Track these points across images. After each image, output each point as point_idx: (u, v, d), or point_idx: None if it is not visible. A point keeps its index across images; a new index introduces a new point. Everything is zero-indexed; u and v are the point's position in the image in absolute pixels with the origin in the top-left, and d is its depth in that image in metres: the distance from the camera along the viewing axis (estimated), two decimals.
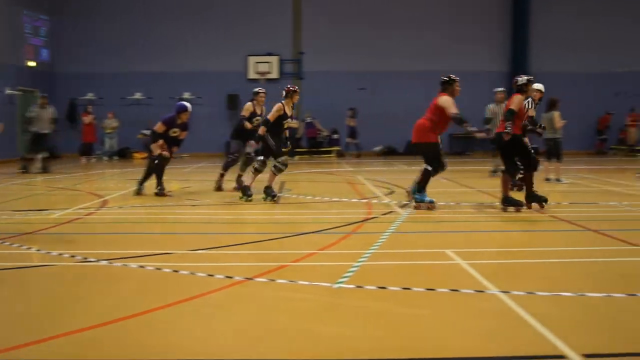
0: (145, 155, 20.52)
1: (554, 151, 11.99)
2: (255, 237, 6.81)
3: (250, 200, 9.24)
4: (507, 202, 8.35)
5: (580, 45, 22.80)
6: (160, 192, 9.83)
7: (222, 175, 10.74)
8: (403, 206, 8.69)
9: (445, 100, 8.38)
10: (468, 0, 23.10)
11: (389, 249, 5.89)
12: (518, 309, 3.96)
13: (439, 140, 8.52)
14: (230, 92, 22.10)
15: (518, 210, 8.28)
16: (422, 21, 22.73)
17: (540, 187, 11.76)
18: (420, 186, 8.42)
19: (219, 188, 10.71)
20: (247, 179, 9.70)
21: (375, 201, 9.39)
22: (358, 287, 4.51)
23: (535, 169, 8.53)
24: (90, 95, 22.26)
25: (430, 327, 3.71)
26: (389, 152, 22.04)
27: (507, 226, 7.59)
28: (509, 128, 8.14)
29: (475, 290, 4.41)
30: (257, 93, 10.68)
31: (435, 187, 11.30)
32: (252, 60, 22.71)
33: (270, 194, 9.25)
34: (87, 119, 20.19)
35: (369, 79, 22.73)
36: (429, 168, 8.39)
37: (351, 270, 4.97)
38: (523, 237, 6.95)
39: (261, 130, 9.21)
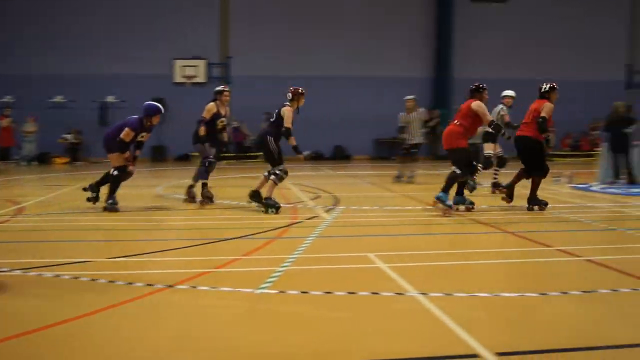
0: (67, 160, 19.99)
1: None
2: (178, 244, 6.70)
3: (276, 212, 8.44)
4: (534, 202, 8.91)
5: (503, 52, 23.55)
6: (111, 207, 8.65)
7: (191, 187, 9.64)
8: (328, 210, 8.75)
9: (479, 105, 8.42)
10: (393, 6, 23.47)
11: (313, 254, 5.91)
12: (436, 310, 4.05)
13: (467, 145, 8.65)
14: (156, 96, 21.70)
15: (542, 209, 8.80)
16: (348, 27, 22.95)
17: (483, 189, 12.12)
18: (446, 187, 8.38)
19: (191, 199, 9.60)
20: (266, 190, 8.56)
21: (301, 206, 9.41)
22: (281, 292, 4.51)
23: (545, 174, 9.06)
24: (8, 98, 21.40)
25: (351, 330, 3.75)
26: (316, 157, 22.15)
27: (428, 229, 7.75)
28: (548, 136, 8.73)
29: (395, 293, 4.48)
30: (221, 92, 9.58)
31: (361, 192, 11.46)
32: (178, 63, 22.40)
33: (273, 206, 8.45)
34: (4, 122, 19.42)
35: (296, 83, 22.66)
36: (458, 171, 8.41)
37: (274, 275, 4.97)
38: (444, 239, 7.11)
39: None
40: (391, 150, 22.79)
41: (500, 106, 10.86)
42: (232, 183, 13.52)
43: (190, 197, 9.63)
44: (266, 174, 8.64)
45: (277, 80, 22.52)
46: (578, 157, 22.94)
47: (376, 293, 4.48)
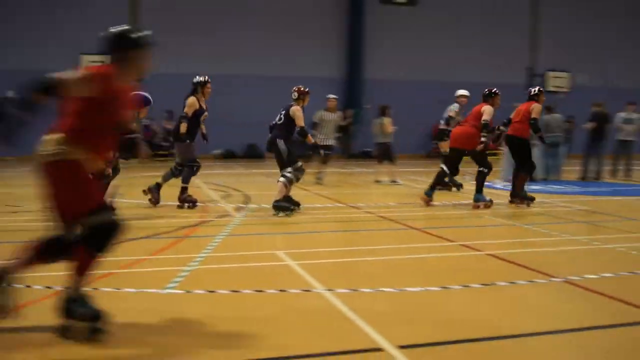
0: None
1: (385, 154, 12.68)
2: None
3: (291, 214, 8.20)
4: (517, 196, 9.48)
5: (413, 54, 24.09)
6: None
7: (185, 189, 8.72)
8: (239, 209, 8.70)
9: (489, 109, 9.21)
10: (305, 6, 23.56)
11: (221, 252, 5.86)
12: (342, 306, 4.09)
13: None
14: None
15: (528, 205, 9.28)
16: (260, 26, 22.87)
17: (372, 188, 12.38)
18: (479, 188, 9.23)
19: (188, 203, 8.66)
20: (280, 193, 8.26)
21: (211, 204, 9.30)
22: (187, 292, 4.45)
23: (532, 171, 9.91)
24: None
25: (257, 329, 3.73)
26: (228, 156, 21.95)
27: (337, 226, 7.84)
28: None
29: (303, 290, 4.51)
30: (204, 84, 8.87)
31: (273, 190, 11.45)
32: (85, 59, 21.62)
33: (287, 208, 8.14)
34: None
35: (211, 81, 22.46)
36: (485, 170, 9.28)
37: (181, 275, 4.88)
38: (352, 236, 7.21)
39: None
40: (304, 150, 22.91)
41: (455, 105, 11.15)
42: (142, 181, 13.18)
43: (155, 200, 8.78)
44: (283, 178, 8.29)
45: (190, 78, 22.22)
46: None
47: (283, 290, 4.49)
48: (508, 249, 6.19)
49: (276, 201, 8.19)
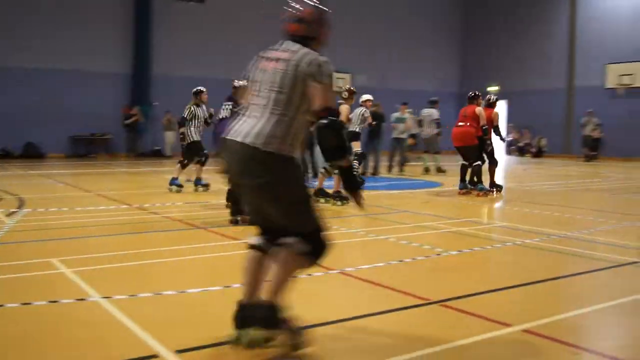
0: None
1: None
2: None
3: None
4: (494, 186, 11.27)
5: (200, 51, 23.92)
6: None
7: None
8: (10, 214, 8.03)
9: (480, 110, 10.94)
10: (96, 5, 22.31)
11: None
12: (118, 314, 3.94)
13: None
14: None
15: (486, 195, 10.87)
16: (49, 22, 21.24)
17: (159, 188, 12.10)
18: (479, 179, 11.00)
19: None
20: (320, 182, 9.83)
21: None
22: None
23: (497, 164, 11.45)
24: None
25: (22, 346, 3.46)
26: (4, 156, 20.18)
27: (120, 229, 7.53)
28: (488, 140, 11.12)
29: (77, 299, 4.27)
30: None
31: (52, 192, 10.76)
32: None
33: (340, 197, 9.44)
34: None
35: None
36: (480, 162, 11.01)
37: None
38: (135, 239, 6.97)
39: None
40: (90, 148, 21.77)
41: (363, 109, 11.43)
42: None
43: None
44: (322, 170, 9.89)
45: None
46: None
47: (55, 302, 4.21)
48: None
49: (335, 191, 9.62)
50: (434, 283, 4.99)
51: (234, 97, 9.39)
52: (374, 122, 12.25)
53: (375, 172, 15.14)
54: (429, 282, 5.04)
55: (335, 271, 5.19)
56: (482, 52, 30.46)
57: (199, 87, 11.73)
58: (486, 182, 11.19)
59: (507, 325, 3.83)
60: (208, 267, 5.50)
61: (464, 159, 11.17)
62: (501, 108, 29.73)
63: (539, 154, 26.55)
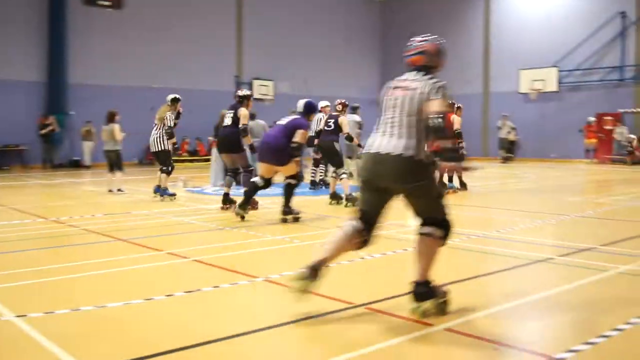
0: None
1: (115, 162, 12.23)
2: None
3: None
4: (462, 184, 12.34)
5: (120, 59, 23.37)
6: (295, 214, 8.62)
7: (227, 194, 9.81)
8: None
9: (454, 117, 11.69)
10: (7, 11, 21.42)
11: None
12: (33, 332, 3.77)
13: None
14: None
15: (455, 192, 11.90)
16: None
17: (103, 198, 11.74)
18: (450, 179, 12.19)
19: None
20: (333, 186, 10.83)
21: None
22: None
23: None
24: None
25: None
26: None
27: (35, 244, 7.22)
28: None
29: None
30: (249, 97, 10.13)
31: None
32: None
33: (352, 199, 9.77)
34: None
35: None
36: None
37: None
38: (49, 254, 6.69)
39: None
40: (1, 159, 20.87)
41: (321, 115, 12.43)
42: None
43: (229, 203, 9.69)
44: (334, 175, 10.66)
45: None
46: (196, 161, 24.09)
47: None
48: (214, 254, 6.32)
49: (348, 195, 10.24)
50: (359, 286, 5.03)
51: (239, 105, 9.78)
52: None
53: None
54: (353, 285, 5.07)
55: (260, 279, 5.16)
56: (401, 59, 31.05)
57: (176, 95, 11.61)
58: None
59: (430, 325, 3.90)
60: (128, 280, 5.35)
61: None
62: None
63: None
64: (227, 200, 9.75)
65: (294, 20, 28.36)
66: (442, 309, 4.14)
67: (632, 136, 22.85)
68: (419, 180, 4.04)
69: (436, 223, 4.18)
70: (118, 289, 5.00)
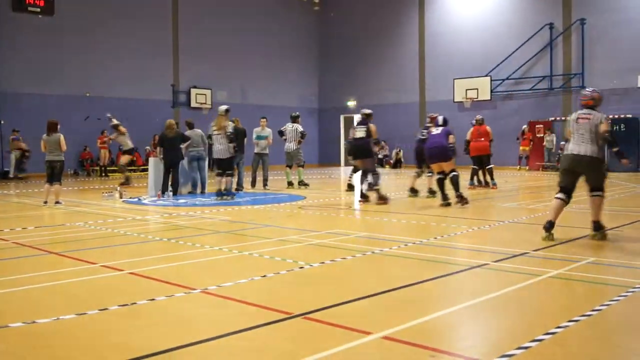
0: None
1: (57, 173, 11.90)
2: None
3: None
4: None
5: (50, 67, 22.77)
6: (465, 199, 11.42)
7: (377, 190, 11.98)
8: None
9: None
10: None
11: None
12: None
13: None
14: None
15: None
16: None
17: (37, 210, 11.33)
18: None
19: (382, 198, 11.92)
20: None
21: None
22: None
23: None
24: None
25: None
26: None
27: None
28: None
29: None
30: (370, 115, 12.58)
31: None
32: None
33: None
34: None
35: None
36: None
37: None
38: None
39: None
40: None
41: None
42: None
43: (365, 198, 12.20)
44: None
45: None
46: (133, 171, 23.63)
47: None
48: (150, 266, 6.19)
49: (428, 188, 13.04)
50: (297, 296, 5.01)
51: (366, 121, 12.30)
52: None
53: (238, 187, 15.06)
54: (291, 295, 5.05)
55: (197, 290, 5.08)
56: (339, 69, 31.37)
57: (228, 106, 13.56)
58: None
59: (367, 333, 3.91)
60: (60, 295, 5.18)
61: (479, 164, 15.42)
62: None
63: (397, 164, 27.66)
64: (364, 196, 12.27)
65: (232, 28, 28.25)
66: (604, 237, 7.38)
67: (563, 143, 23.64)
68: (598, 169, 7.40)
69: (600, 189, 7.39)
70: (49, 304, 4.83)
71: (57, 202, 11.95)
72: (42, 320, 4.27)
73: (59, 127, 12.14)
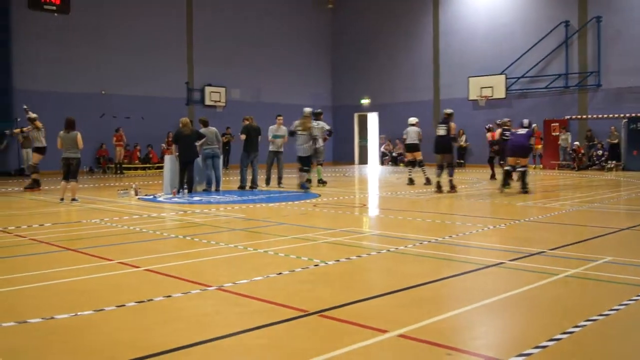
0: None
1: (74, 170, 12.03)
2: None
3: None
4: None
5: (67, 65, 22.91)
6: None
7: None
8: None
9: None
10: None
11: None
12: None
13: None
14: None
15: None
16: None
17: (54, 207, 11.42)
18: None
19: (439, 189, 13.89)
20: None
21: None
22: None
23: None
24: None
25: None
26: None
27: None
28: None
29: None
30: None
31: None
32: None
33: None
34: None
35: None
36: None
37: None
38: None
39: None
40: None
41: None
42: None
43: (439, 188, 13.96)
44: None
45: None
46: (149, 169, 23.77)
47: None
48: (166, 263, 6.23)
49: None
50: (312, 294, 5.01)
51: (448, 120, 14.13)
52: (244, 135, 14.90)
53: (253, 186, 15.08)
54: (307, 293, 5.05)
55: (212, 288, 5.10)
56: (353, 67, 31.32)
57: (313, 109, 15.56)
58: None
59: (384, 331, 3.91)
60: (77, 291, 5.21)
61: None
62: (373, 120, 30.65)
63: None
64: (438, 186, 13.99)
65: (246, 27, 28.29)
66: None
67: (576, 143, 23.53)
68: None
69: None
70: (67, 300, 4.88)
71: (73, 200, 12.04)
72: (61, 315, 4.31)
73: (75, 124, 12.24)
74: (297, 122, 14.62)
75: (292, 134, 14.88)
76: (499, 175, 15.37)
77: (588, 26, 24.15)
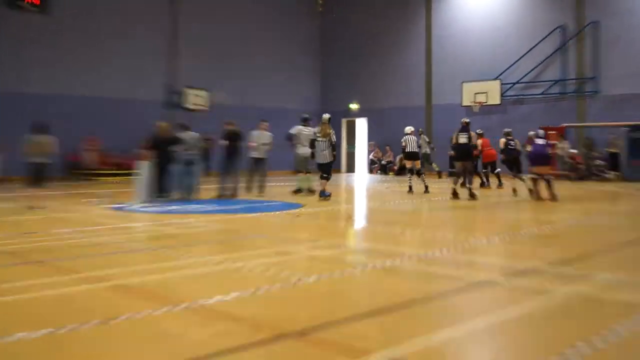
0: None
1: (43, 176, 11.52)
2: None
3: None
4: None
5: (53, 66, 22.34)
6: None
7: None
8: None
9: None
10: None
11: None
12: None
13: None
14: None
15: None
16: None
17: (21, 215, 10.85)
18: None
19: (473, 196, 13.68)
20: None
21: None
22: None
23: None
24: None
25: None
26: None
27: None
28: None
29: None
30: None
31: None
32: None
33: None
34: None
35: None
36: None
37: None
38: None
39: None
40: None
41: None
42: None
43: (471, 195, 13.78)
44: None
45: None
46: (123, 175, 22.67)
47: None
48: (136, 277, 5.74)
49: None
50: (291, 313, 4.53)
51: (467, 128, 14.35)
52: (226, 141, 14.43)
53: (234, 194, 14.44)
54: (285, 312, 4.58)
55: (183, 305, 4.60)
56: (342, 71, 30.78)
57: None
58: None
59: (367, 353, 3.51)
60: (36, 307, 4.70)
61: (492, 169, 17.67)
62: (362, 126, 30.09)
63: (401, 171, 26.94)
64: (455, 194, 14.01)
65: (232, 28, 27.67)
66: None
67: (574, 151, 22.84)
68: None
69: None
70: (24, 318, 4.40)
71: (39, 208, 11.36)
72: (17, 334, 3.85)
73: (47, 129, 11.64)
74: (317, 129, 14.37)
75: (312, 142, 14.22)
76: (494, 182, 15.60)
77: (585, 31, 23.75)
